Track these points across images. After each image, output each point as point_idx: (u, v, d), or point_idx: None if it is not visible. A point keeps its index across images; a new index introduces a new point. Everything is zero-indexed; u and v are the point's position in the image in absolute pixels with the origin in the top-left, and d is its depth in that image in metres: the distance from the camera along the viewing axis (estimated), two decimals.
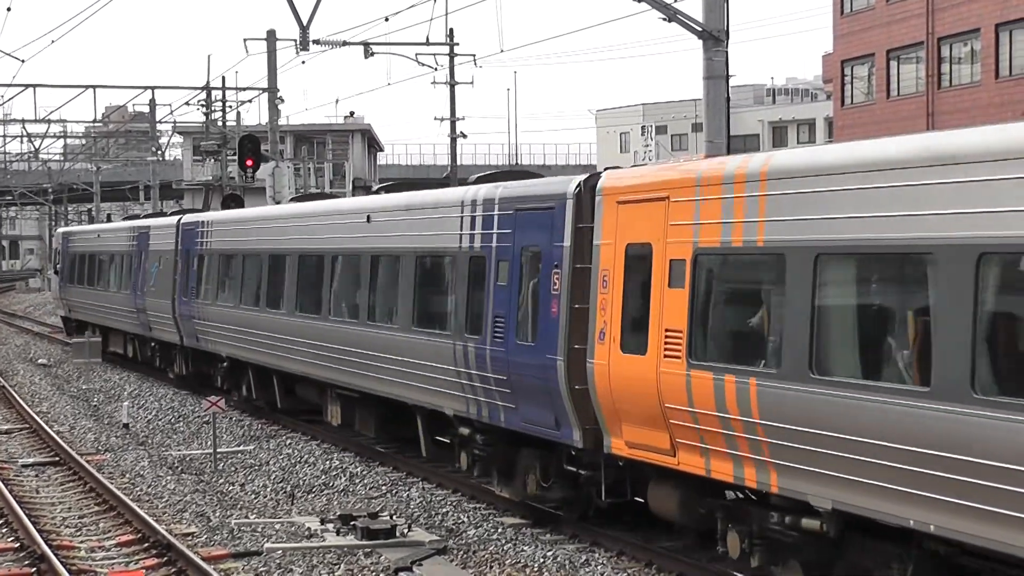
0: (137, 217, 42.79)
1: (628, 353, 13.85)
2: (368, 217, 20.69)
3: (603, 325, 14.28)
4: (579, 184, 15.03)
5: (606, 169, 15.16)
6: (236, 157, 44.40)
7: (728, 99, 21.06)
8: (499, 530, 16.94)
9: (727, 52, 20.76)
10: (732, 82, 21.99)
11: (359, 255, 20.95)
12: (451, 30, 52.96)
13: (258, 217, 26.96)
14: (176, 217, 33.63)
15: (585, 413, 14.80)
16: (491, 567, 15.24)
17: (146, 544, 16.60)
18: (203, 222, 30.58)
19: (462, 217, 17.67)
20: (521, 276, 16.02)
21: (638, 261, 13.89)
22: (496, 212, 16.75)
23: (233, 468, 22.23)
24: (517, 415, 16.17)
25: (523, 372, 15.81)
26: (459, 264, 17.58)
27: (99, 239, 41.84)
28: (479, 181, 18.23)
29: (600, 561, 15.18)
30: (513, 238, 16.26)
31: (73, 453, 23.30)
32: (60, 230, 52.38)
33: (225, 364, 28.85)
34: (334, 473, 21.30)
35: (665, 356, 13.25)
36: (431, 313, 18.55)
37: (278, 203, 41.49)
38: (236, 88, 55.24)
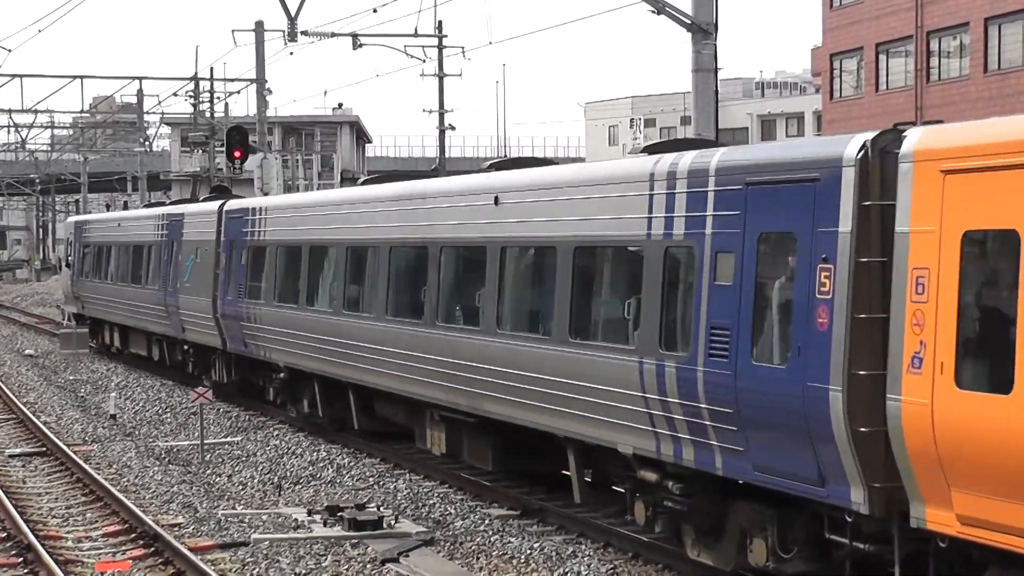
0: (164, 203, 37.38)
1: (970, 389, 9.88)
2: (496, 199, 16.59)
3: (918, 347, 10.31)
4: (864, 145, 10.94)
5: (908, 125, 11.21)
6: (224, 148, 44.38)
7: (717, 92, 21.12)
8: (486, 521, 16.96)
9: (716, 45, 20.81)
10: (721, 75, 22.03)
11: (482, 246, 16.84)
12: (440, 22, 53.00)
13: (332, 201, 22.14)
14: (217, 203, 28.52)
15: (874, 466, 10.79)
16: (478, 558, 15.25)
17: (133, 535, 16.59)
18: (255, 209, 25.76)
19: (651, 195, 13.55)
20: (757, 273, 12.03)
21: (989, 256, 9.95)
22: (711, 188, 12.67)
23: (220, 459, 22.22)
24: (746, 460, 12.15)
25: (763, 404, 11.78)
26: (648, 257, 13.51)
27: (120, 228, 36.79)
28: (655, 150, 14.28)
29: (586, 553, 15.20)
30: (743, 221, 12.17)
31: (60, 443, 23.26)
32: (72, 219, 45.60)
33: (282, 375, 24.48)
34: (321, 464, 21.30)
35: None
36: (600, 321, 14.53)
37: (267, 195, 41.45)
38: (224, 79, 55.16)
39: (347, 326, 20.81)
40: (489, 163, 18.56)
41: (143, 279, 33.36)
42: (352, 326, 20.61)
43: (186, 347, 30.87)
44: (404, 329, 18.87)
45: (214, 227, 27.93)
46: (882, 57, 51.78)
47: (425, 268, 18.46)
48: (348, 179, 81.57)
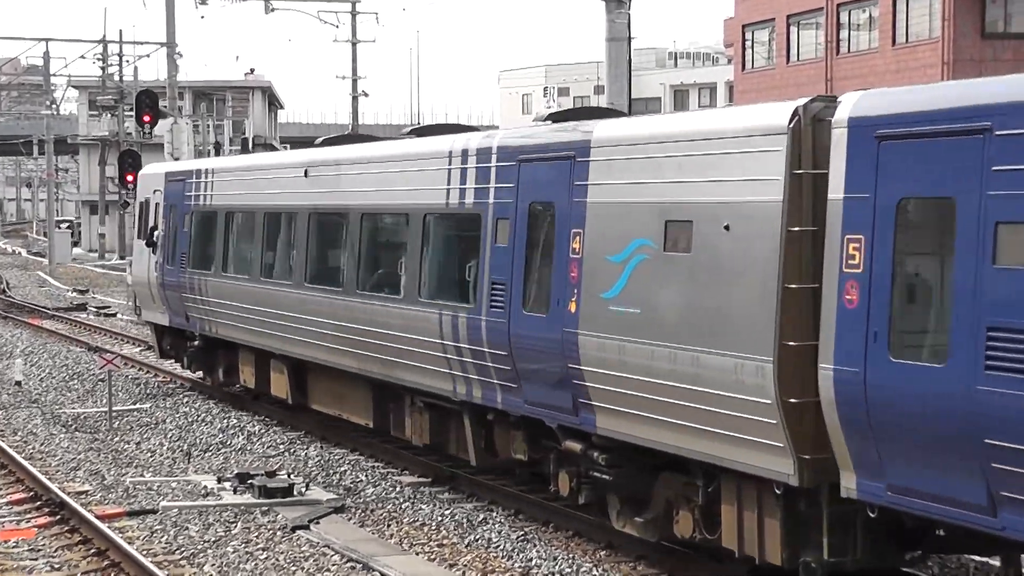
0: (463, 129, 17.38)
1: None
2: None
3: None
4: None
5: None
6: (133, 113, 43.79)
7: (630, 62, 21.19)
8: (397, 489, 16.96)
9: (629, 14, 20.87)
10: (634, 45, 22.09)
11: None
12: None
13: None
14: (779, 106, 11.23)
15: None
16: (389, 525, 15.26)
17: (38, 503, 16.39)
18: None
19: None
20: None
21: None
22: None
23: (129, 426, 22.00)
24: None
25: None
26: None
27: (310, 182, 19.00)
28: None
29: (498, 520, 15.27)
30: None
31: None
32: (159, 167, 26.38)
33: None
34: (231, 432, 21.17)
35: None
36: None
37: (176, 160, 40.83)
38: (133, 42, 54.44)
39: None
40: None
41: (400, 284, 16.39)
42: None
43: (591, 451, 13.33)
44: None
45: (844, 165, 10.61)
46: (793, 29, 52.22)
47: None
48: (260, 145, 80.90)
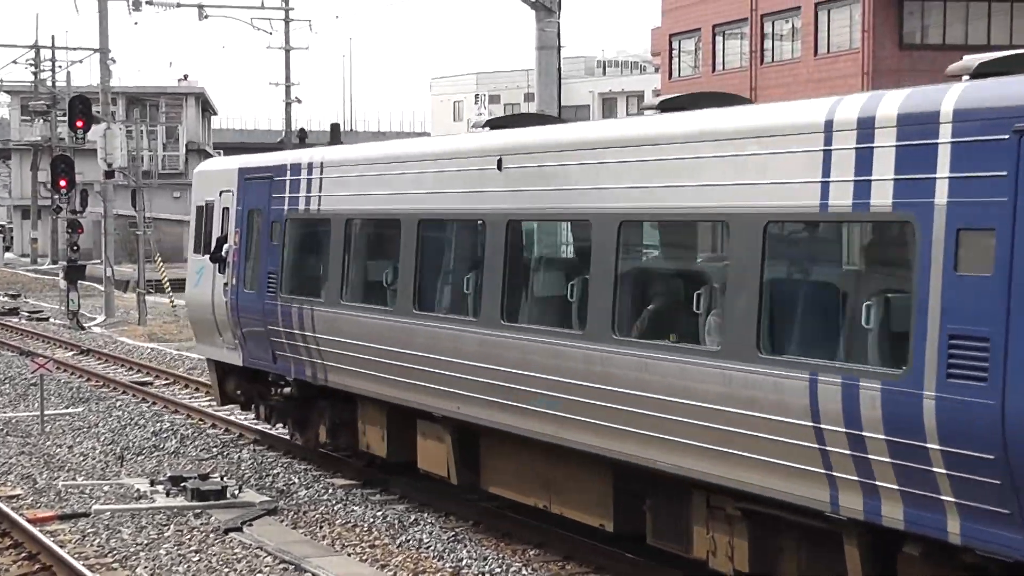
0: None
1: None
2: None
3: None
4: None
5: None
6: (66, 118, 43.64)
7: (560, 70, 21.57)
8: (330, 491, 17.15)
9: (559, 23, 21.24)
10: (564, 53, 22.47)
11: None
12: None
13: None
14: None
15: None
16: (321, 527, 15.45)
17: None
18: None
19: None
20: None
21: None
22: None
23: (61, 430, 22.03)
24: None
25: None
26: None
27: (504, 177, 13.21)
28: None
29: (429, 521, 15.49)
30: None
31: None
32: (232, 162, 19.89)
33: None
34: (164, 435, 21.26)
35: None
36: None
37: (110, 166, 40.74)
38: (66, 48, 54.21)
39: None
40: None
41: (706, 329, 10.99)
42: None
43: None
44: None
45: None
46: (719, 39, 52.94)
47: None
48: (193, 151, 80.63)
